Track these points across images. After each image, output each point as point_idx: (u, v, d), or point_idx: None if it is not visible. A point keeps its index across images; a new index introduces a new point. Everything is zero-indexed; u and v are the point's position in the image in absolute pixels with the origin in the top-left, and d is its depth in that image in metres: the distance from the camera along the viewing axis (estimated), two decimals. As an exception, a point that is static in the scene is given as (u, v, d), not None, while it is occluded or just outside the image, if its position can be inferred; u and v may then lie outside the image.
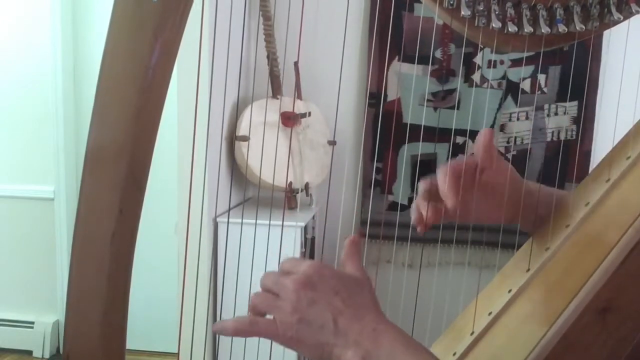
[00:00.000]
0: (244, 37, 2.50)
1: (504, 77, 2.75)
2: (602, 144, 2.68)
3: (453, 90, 2.77)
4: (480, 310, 0.90)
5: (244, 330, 0.73)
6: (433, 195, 0.92)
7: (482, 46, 0.87)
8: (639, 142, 0.90)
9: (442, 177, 0.90)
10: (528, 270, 0.88)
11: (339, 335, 0.69)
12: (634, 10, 0.82)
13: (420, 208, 0.94)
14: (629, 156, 0.90)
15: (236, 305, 2.09)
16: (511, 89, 2.76)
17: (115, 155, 0.76)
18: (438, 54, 2.76)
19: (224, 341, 2.33)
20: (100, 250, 0.77)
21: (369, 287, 0.75)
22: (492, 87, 2.76)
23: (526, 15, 0.82)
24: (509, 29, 0.83)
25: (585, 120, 2.73)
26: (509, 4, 0.82)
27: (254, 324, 0.72)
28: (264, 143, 2.28)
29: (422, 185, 0.94)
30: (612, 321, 0.76)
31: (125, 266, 0.80)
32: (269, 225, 1.96)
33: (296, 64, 2.60)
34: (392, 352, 0.69)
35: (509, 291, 0.88)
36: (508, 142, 2.78)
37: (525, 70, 2.77)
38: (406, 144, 2.78)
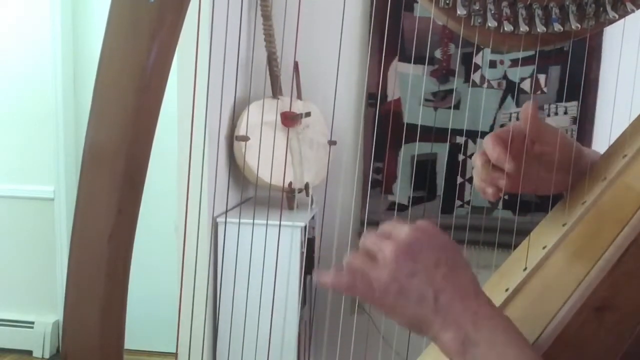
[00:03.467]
0: (244, 36, 2.50)
1: (504, 77, 2.75)
2: (602, 144, 2.67)
3: (453, 90, 2.77)
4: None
5: (341, 287, 0.70)
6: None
7: (480, 46, 0.87)
8: (635, 141, 0.91)
9: (492, 147, 0.91)
10: (525, 268, 0.89)
11: (438, 313, 0.67)
12: (629, 9, 0.82)
13: (487, 181, 0.94)
14: (625, 154, 0.90)
15: (235, 305, 2.09)
16: (511, 89, 2.76)
17: (112, 155, 0.77)
18: (438, 54, 2.76)
19: (223, 341, 2.33)
20: (99, 250, 0.78)
21: (466, 261, 0.72)
22: (492, 87, 2.75)
23: (522, 15, 0.82)
24: (505, 28, 0.83)
25: (584, 121, 2.73)
26: (504, 3, 0.83)
27: (352, 286, 0.70)
28: (263, 143, 2.28)
29: (478, 160, 0.94)
30: (609, 319, 0.76)
31: (123, 266, 0.80)
32: (268, 225, 1.96)
33: (296, 63, 2.60)
34: (493, 339, 0.67)
35: (506, 290, 0.88)
36: (508, 142, 2.78)
37: (525, 70, 2.76)
38: (406, 144, 2.78)
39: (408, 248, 0.69)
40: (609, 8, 0.81)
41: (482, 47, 2.56)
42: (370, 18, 2.75)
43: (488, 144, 0.92)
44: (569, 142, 0.97)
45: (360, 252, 0.71)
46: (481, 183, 0.96)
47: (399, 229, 0.71)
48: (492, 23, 0.82)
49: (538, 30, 0.82)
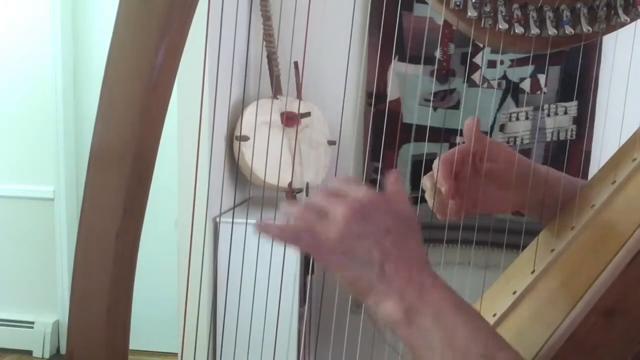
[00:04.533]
0: (244, 36, 2.49)
1: (504, 77, 2.75)
2: (602, 144, 2.68)
3: (453, 90, 2.77)
4: (485, 311, 0.89)
5: (286, 238, 0.68)
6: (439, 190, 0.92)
7: (486, 47, 0.87)
8: (645, 144, 0.90)
9: (436, 170, 0.92)
10: (533, 272, 0.88)
11: (382, 280, 0.65)
12: (640, 12, 0.82)
13: (438, 203, 0.94)
14: (634, 158, 0.90)
15: (235, 305, 2.09)
16: (511, 89, 2.76)
17: (120, 155, 0.77)
18: (438, 54, 2.76)
19: (223, 341, 2.32)
20: (105, 249, 0.77)
21: (418, 229, 0.70)
22: (492, 87, 2.75)
23: (533, 17, 0.82)
24: (516, 31, 0.82)
25: (585, 120, 2.73)
26: (515, 6, 0.82)
27: (298, 238, 0.68)
28: (263, 143, 2.28)
29: (427, 182, 0.95)
30: (618, 323, 0.76)
31: (129, 265, 0.80)
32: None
33: (296, 64, 2.60)
34: (440, 311, 0.65)
35: (514, 293, 0.88)
36: (508, 142, 2.78)
37: (525, 70, 2.76)
38: (406, 144, 2.78)
39: (361, 208, 0.66)
40: (620, 11, 0.81)
41: (484, 47, 2.57)
42: (370, 18, 2.74)
43: (434, 167, 0.92)
44: (519, 158, 0.96)
45: (310, 207, 0.69)
46: (437, 205, 0.95)
47: (355, 190, 0.68)
48: (502, 25, 0.81)
49: (549, 32, 0.82)
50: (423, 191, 0.96)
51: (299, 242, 0.68)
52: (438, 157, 0.94)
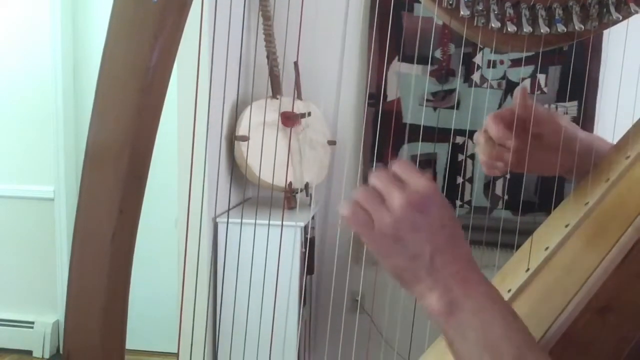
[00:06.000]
0: (244, 36, 2.50)
1: (504, 77, 2.75)
2: (602, 143, 2.68)
3: (453, 90, 2.77)
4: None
5: (344, 216, 0.69)
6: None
7: (481, 46, 0.87)
8: (638, 142, 0.90)
9: (494, 125, 0.94)
10: (527, 269, 0.89)
11: (431, 273, 0.67)
12: (632, 10, 0.82)
13: (493, 157, 0.97)
14: (628, 155, 0.90)
15: (236, 305, 2.09)
16: (511, 89, 2.76)
17: (115, 155, 0.77)
18: (438, 54, 2.76)
19: (223, 341, 2.33)
20: (101, 250, 0.77)
21: (462, 230, 0.71)
22: (492, 87, 2.75)
23: (525, 15, 0.82)
24: (508, 29, 0.83)
25: (585, 120, 2.73)
26: (508, 4, 0.83)
27: (354, 216, 0.69)
28: (263, 143, 2.28)
29: (481, 137, 0.97)
30: (612, 320, 0.76)
31: (125, 265, 0.80)
32: (269, 225, 1.96)
33: (296, 63, 2.60)
34: (480, 306, 0.66)
35: (509, 291, 0.88)
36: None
37: (525, 70, 2.77)
38: (406, 144, 2.78)
39: (420, 200, 0.67)
40: (612, 9, 0.81)
41: (483, 47, 2.57)
42: (371, 18, 2.75)
43: (490, 122, 0.94)
44: (567, 125, 0.98)
45: (370, 191, 0.70)
46: (487, 159, 0.98)
47: (415, 180, 0.68)
48: (495, 24, 0.82)
49: (541, 31, 0.82)
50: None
51: (354, 221, 0.69)
52: (489, 115, 0.95)
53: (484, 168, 0.99)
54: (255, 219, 2.21)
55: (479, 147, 0.98)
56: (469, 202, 2.75)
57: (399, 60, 2.77)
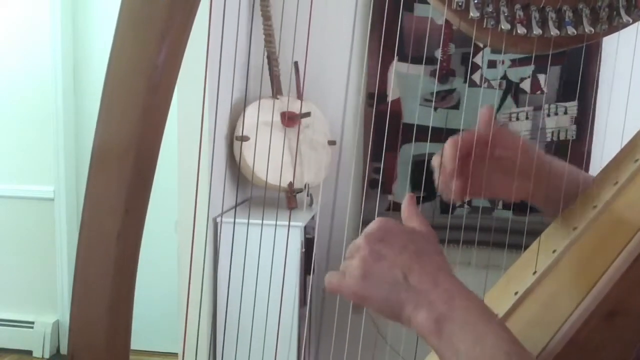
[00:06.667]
0: (244, 36, 2.49)
1: (504, 77, 2.75)
2: (603, 144, 2.68)
3: (453, 90, 2.77)
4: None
5: (327, 286, 0.72)
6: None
7: (488, 47, 0.87)
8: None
9: (449, 151, 0.94)
10: (535, 272, 0.88)
11: (410, 293, 0.67)
12: (643, 13, 0.82)
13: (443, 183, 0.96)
14: (637, 159, 0.89)
15: (235, 305, 2.09)
16: (511, 89, 2.76)
17: (121, 155, 0.76)
18: (438, 54, 2.76)
19: (226, 342, 2.32)
20: (107, 249, 0.77)
21: (437, 243, 0.73)
22: (492, 87, 2.75)
23: (535, 18, 0.82)
24: (518, 31, 0.82)
25: (585, 120, 2.73)
26: (517, 6, 0.82)
27: (329, 283, 0.72)
28: (263, 143, 2.28)
29: (435, 161, 0.97)
30: (620, 325, 0.76)
31: (130, 265, 0.79)
32: (268, 225, 1.95)
33: (296, 64, 2.60)
34: (467, 317, 0.66)
35: (515, 293, 0.88)
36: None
37: (525, 70, 2.76)
38: (406, 144, 2.78)
39: (373, 234, 0.71)
40: (622, 12, 0.81)
41: (486, 48, 2.56)
42: (371, 18, 2.74)
43: (446, 148, 0.94)
44: (530, 148, 0.97)
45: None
46: (443, 186, 0.97)
47: (368, 226, 0.73)
48: (505, 26, 0.81)
49: (551, 33, 0.82)
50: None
51: (331, 285, 0.72)
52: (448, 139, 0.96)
53: (442, 194, 0.99)
54: (254, 219, 2.20)
55: (435, 172, 0.98)
56: (469, 202, 2.75)
57: (399, 60, 2.76)
